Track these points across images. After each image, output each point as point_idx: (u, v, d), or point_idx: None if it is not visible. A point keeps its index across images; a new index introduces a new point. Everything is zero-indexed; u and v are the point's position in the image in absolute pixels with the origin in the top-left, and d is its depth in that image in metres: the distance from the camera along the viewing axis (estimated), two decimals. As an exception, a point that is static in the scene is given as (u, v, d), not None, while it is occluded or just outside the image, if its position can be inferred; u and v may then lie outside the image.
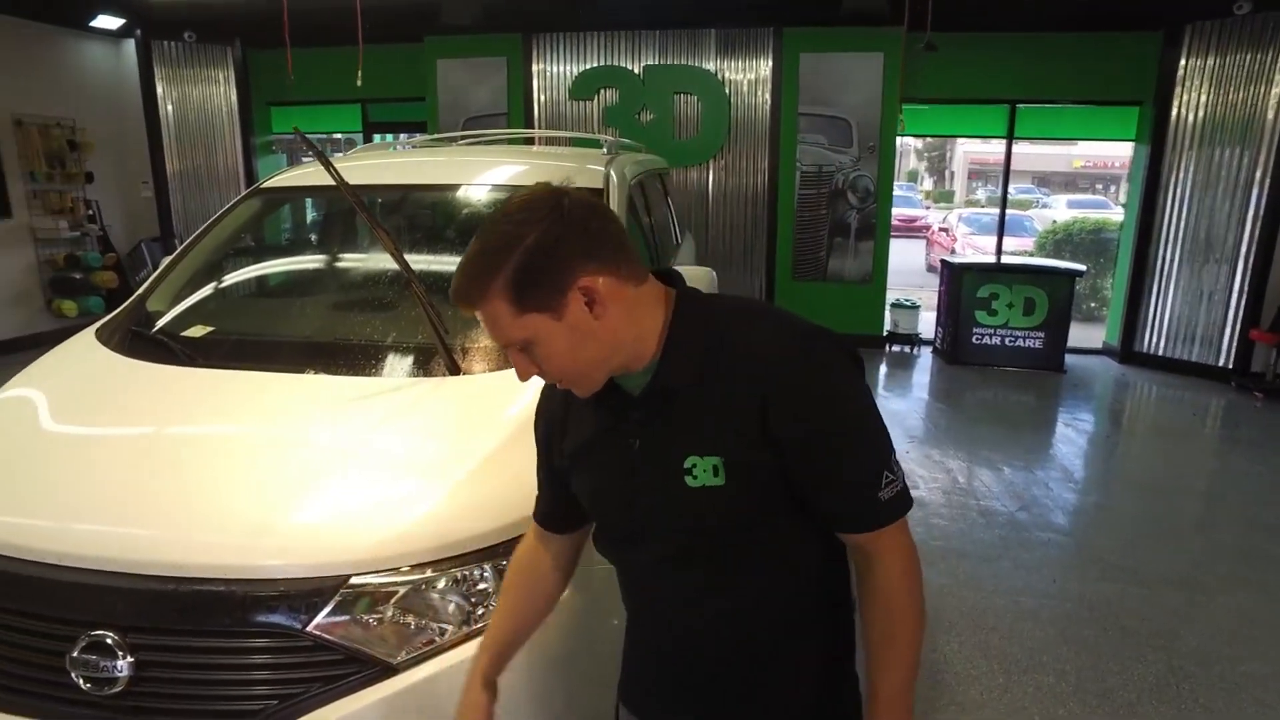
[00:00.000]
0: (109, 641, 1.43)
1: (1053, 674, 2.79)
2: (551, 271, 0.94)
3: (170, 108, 8.03)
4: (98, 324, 2.40)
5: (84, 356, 2.21)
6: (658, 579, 1.16)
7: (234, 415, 1.90)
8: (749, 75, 7.35)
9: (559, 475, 1.21)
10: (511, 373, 1.06)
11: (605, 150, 3.26)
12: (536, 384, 1.15)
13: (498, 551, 1.57)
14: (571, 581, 1.48)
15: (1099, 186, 24.25)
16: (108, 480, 1.67)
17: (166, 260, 2.66)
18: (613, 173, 2.78)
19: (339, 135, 10.33)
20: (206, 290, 2.56)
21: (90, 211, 7.51)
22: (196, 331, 2.30)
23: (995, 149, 9.35)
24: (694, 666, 1.17)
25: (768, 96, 7.32)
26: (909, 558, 1.06)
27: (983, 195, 24.27)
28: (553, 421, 1.21)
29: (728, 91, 7.37)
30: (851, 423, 1.02)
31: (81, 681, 1.43)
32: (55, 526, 1.56)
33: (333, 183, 2.08)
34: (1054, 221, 12.22)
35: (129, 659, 1.42)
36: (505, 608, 1.31)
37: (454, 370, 1.98)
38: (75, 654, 1.43)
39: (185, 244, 2.71)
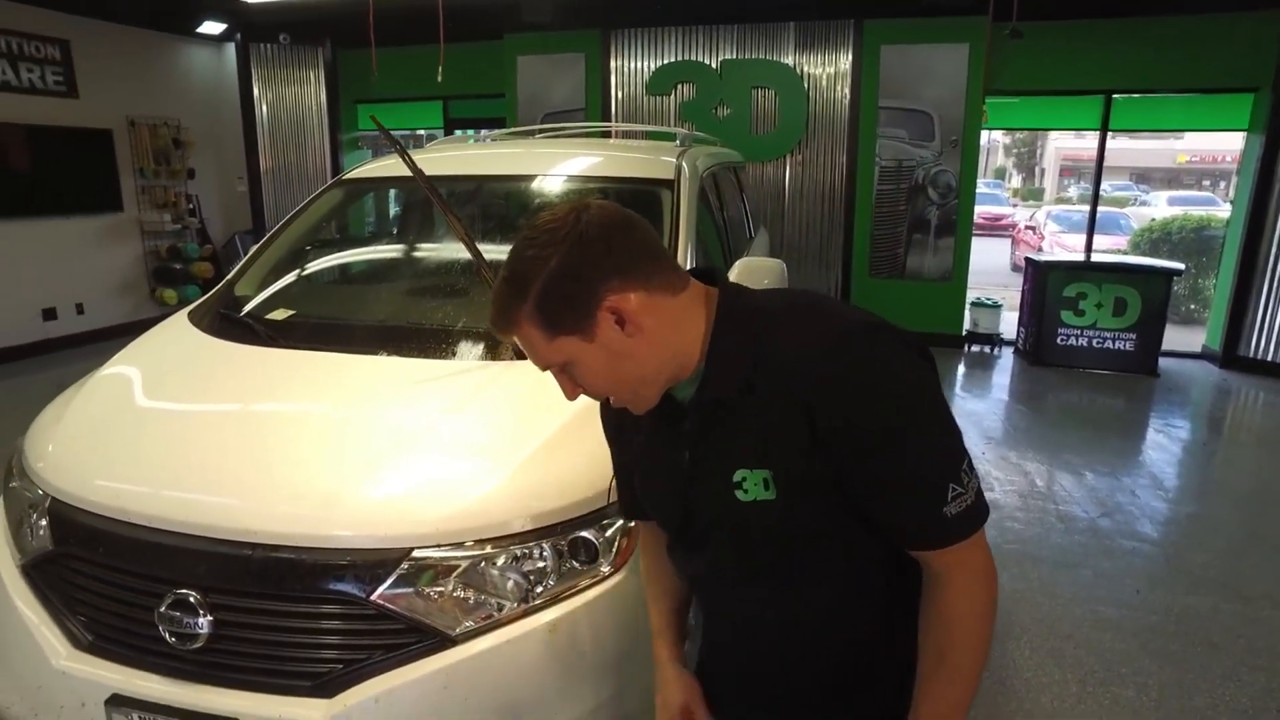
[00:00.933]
0: (192, 600, 1.53)
1: (1133, 687, 2.66)
2: (577, 294, 0.92)
3: (265, 107, 8.41)
4: (190, 307, 2.55)
5: (178, 337, 2.35)
6: (720, 591, 1.14)
7: (311, 393, 1.99)
8: (828, 69, 7.22)
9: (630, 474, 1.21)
10: None
11: (679, 143, 3.27)
12: None
13: (555, 531, 1.61)
14: (633, 570, 1.47)
15: (1205, 183, 22.88)
16: (195, 451, 1.77)
17: (255, 247, 2.80)
18: (684, 164, 2.78)
19: (421, 131, 10.62)
20: (289, 276, 2.68)
21: (191, 205, 7.97)
22: (279, 314, 2.41)
23: (1090, 144, 8.92)
24: (765, 673, 1.14)
25: (847, 90, 7.18)
26: (979, 579, 0.97)
27: (1075, 193, 23.17)
28: (609, 427, 1.22)
29: (806, 86, 7.25)
30: (907, 423, 0.91)
31: (168, 635, 1.53)
32: (148, 491, 1.66)
33: (410, 174, 2.14)
34: (1152, 220, 11.58)
35: (209, 617, 1.52)
36: (654, 594, 1.31)
37: (520, 355, 2.02)
38: (162, 609, 1.53)
39: (271, 232, 2.84)
